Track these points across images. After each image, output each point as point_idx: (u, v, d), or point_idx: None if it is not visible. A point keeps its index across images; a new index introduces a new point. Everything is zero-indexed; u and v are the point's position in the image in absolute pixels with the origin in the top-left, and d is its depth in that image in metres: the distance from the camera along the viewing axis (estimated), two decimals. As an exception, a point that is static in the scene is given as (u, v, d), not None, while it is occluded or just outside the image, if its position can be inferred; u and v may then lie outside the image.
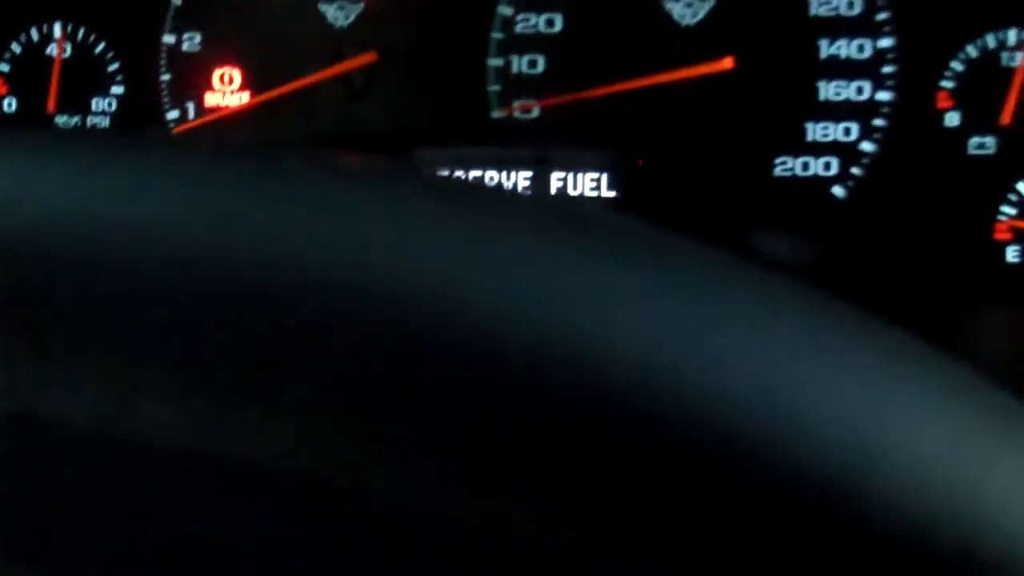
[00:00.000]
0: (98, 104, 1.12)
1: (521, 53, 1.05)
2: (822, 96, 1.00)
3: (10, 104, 1.13)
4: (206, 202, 0.25)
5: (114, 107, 1.12)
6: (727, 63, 1.00)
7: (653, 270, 0.25)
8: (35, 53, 1.13)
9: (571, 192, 1.02)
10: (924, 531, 0.24)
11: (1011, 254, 0.99)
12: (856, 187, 1.01)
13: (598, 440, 0.24)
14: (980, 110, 0.98)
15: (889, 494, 0.24)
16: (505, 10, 1.05)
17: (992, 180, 0.99)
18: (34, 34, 1.13)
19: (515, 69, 1.05)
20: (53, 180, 0.25)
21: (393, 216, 0.25)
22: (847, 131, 1.01)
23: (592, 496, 0.24)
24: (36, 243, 0.25)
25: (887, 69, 0.99)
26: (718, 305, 0.25)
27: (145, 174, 0.25)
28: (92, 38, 1.12)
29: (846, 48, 0.99)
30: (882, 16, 0.99)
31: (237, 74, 1.10)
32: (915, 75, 0.99)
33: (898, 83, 0.99)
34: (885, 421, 0.24)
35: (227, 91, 1.10)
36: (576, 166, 1.02)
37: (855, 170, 1.01)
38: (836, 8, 0.99)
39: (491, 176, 1.03)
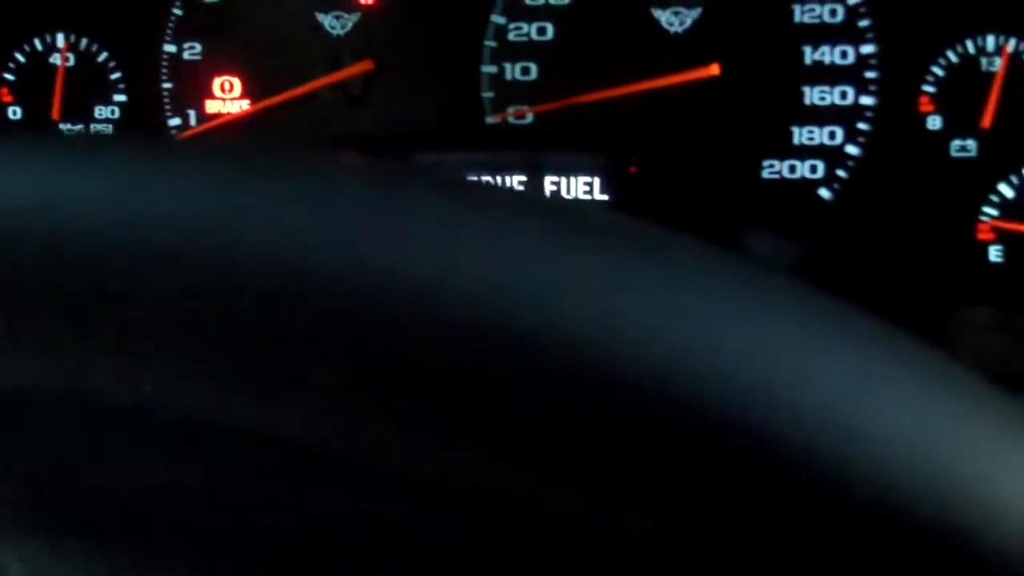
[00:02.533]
0: (101, 112, 1.14)
1: (514, 60, 1.07)
2: (807, 101, 1.03)
3: (15, 112, 1.15)
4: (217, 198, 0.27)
5: (117, 115, 1.14)
6: (714, 69, 1.02)
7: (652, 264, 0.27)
8: (39, 63, 1.15)
9: (564, 195, 1.04)
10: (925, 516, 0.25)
11: (994, 254, 1.01)
12: (842, 189, 1.04)
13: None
14: (961, 114, 1.00)
15: (880, 474, 0.25)
16: (498, 19, 1.07)
17: (974, 182, 1.01)
18: (37, 44, 1.15)
19: (508, 76, 1.07)
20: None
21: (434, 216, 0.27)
22: (832, 135, 1.03)
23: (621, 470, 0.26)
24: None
25: (870, 74, 1.02)
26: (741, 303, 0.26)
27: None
28: (94, 48, 1.14)
29: (830, 54, 1.02)
30: (864, 23, 1.01)
31: (237, 82, 1.12)
32: (897, 80, 1.01)
33: (881, 88, 1.02)
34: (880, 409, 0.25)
35: (227, 98, 1.12)
36: (569, 170, 1.05)
37: (841, 172, 1.04)
38: (819, 15, 1.02)
39: (486, 180, 1.06)
